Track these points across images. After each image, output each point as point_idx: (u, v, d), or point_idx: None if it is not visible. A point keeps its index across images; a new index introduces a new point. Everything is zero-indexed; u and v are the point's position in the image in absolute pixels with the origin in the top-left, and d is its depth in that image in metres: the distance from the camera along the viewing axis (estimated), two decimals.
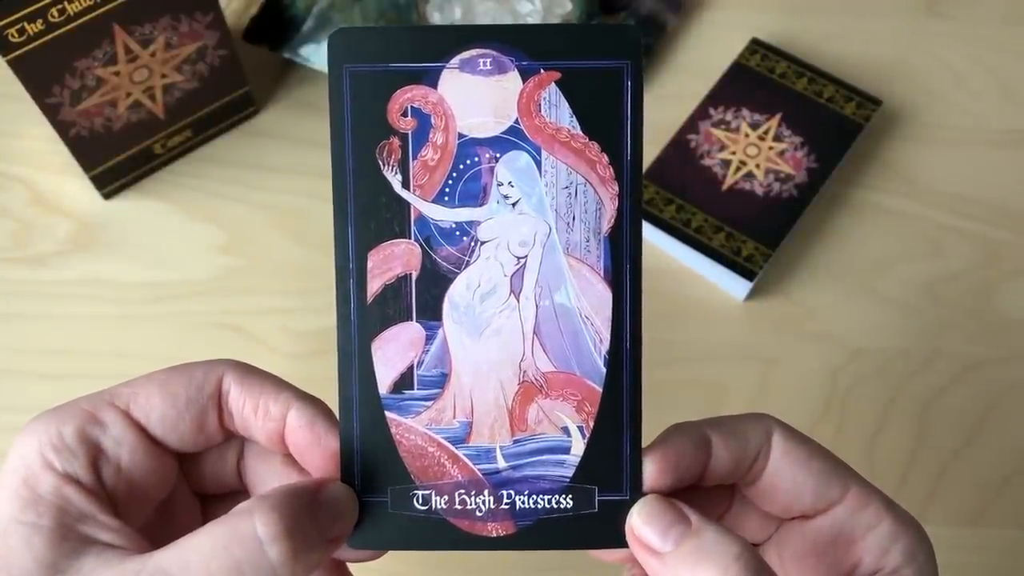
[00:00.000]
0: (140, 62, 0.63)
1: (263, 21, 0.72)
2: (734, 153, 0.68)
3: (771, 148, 0.68)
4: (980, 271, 0.66)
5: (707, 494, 0.37)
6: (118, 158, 0.67)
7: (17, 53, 0.57)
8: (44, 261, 0.67)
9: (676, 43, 0.76)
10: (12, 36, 0.56)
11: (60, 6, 0.57)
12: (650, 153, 0.68)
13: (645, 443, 0.35)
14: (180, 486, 0.37)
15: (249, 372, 0.36)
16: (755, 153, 0.68)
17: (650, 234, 0.66)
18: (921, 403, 0.62)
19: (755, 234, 0.65)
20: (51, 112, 0.62)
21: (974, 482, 0.60)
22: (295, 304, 0.65)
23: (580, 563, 0.40)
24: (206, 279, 0.67)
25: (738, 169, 0.68)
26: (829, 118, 0.70)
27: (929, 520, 0.57)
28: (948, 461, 0.60)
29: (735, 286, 0.65)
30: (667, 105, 0.71)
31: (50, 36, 0.58)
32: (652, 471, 0.34)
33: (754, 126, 0.69)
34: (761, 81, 0.71)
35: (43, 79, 0.60)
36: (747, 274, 0.64)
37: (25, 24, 0.56)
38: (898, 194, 0.70)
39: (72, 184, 0.69)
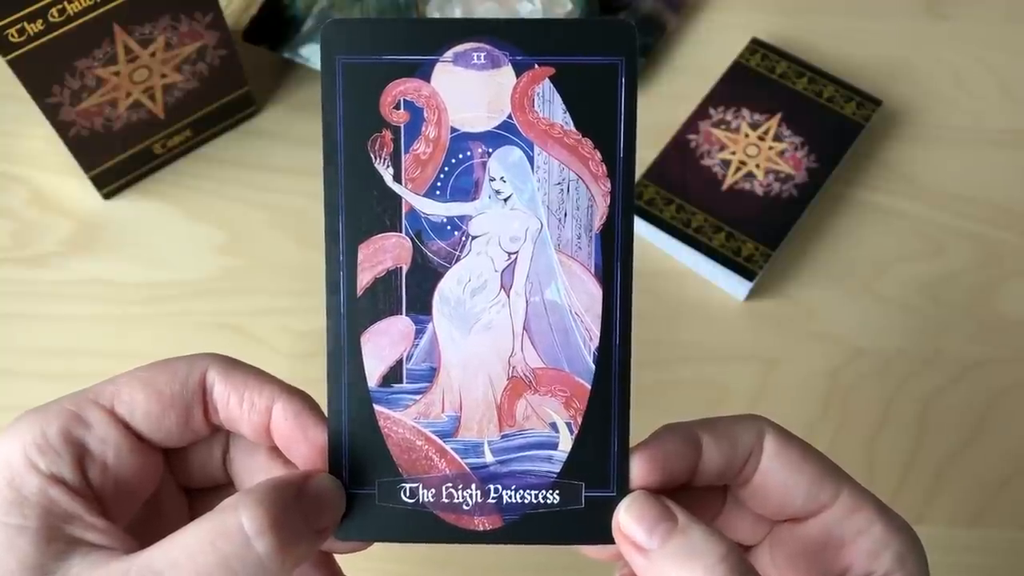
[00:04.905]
0: (140, 62, 0.63)
1: (263, 21, 0.72)
2: (734, 153, 0.68)
3: (771, 148, 0.68)
4: (980, 271, 0.66)
5: (699, 495, 0.37)
6: (118, 158, 0.67)
7: (17, 53, 0.57)
8: (44, 261, 0.67)
9: (676, 43, 0.76)
10: (12, 36, 0.56)
11: (60, 6, 0.57)
12: (650, 153, 0.68)
13: (637, 442, 0.35)
14: (166, 481, 0.37)
15: (233, 366, 0.35)
16: (755, 153, 0.68)
17: (650, 234, 0.66)
18: (921, 403, 0.62)
19: (755, 234, 0.65)
20: (51, 112, 0.62)
21: (974, 482, 0.59)
22: (295, 304, 0.65)
23: (578, 563, 0.40)
24: (206, 279, 0.67)
25: (738, 169, 0.67)
26: (829, 118, 0.70)
27: (928, 520, 0.58)
28: (948, 461, 0.60)
29: (735, 286, 0.65)
30: (667, 105, 0.71)
31: (50, 36, 0.58)
32: (639, 468, 0.34)
33: (754, 126, 0.69)
34: (761, 81, 0.71)
35: (43, 79, 0.60)
36: (747, 274, 0.64)
37: (25, 24, 0.57)
38: (898, 194, 0.69)
39: (72, 184, 0.69)
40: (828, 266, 0.67)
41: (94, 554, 0.31)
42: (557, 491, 0.35)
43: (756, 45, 0.73)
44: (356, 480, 0.35)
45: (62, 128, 0.63)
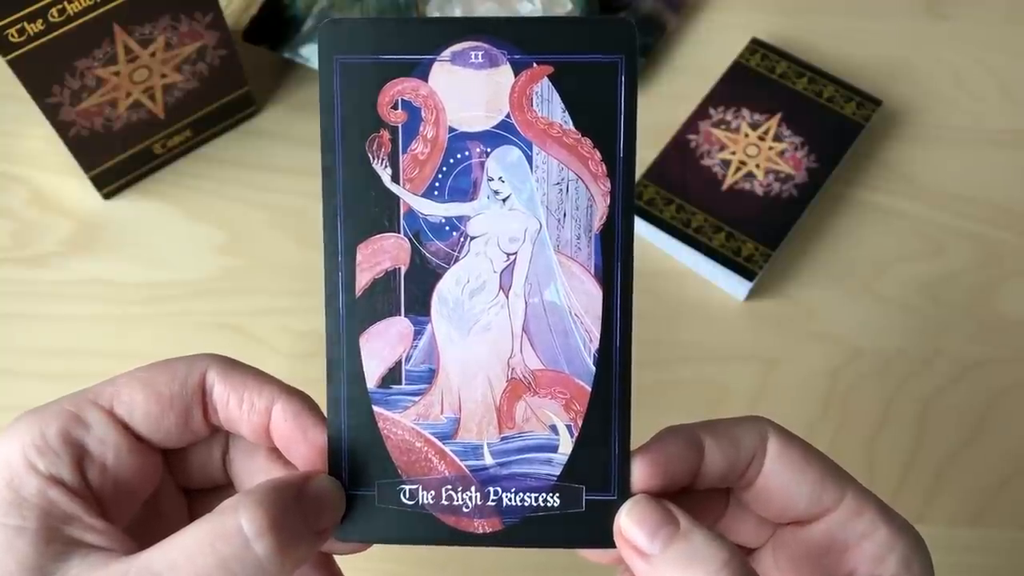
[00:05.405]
0: (140, 62, 0.63)
1: (263, 21, 0.72)
2: (734, 153, 0.68)
3: (771, 148, 0.68)
4: (980, 271, 0.66)
5: (702, 498, 0.37)
6: (118, 158, 0.67)
7: (17, 53, 0.57)
8: (44, 261, 0.67)
9: (676, 43, 0.76)
10: (12, 36, 0.56)
11: (60, 6, 0.57)
12: (650, 153, 0.68)
13: (638, 444, 0.35)
14: (166, 481, 0.37)
15: (232, 366, 0.35)
16: (755, 153, 0.68)
17: (650, 234, 0.66)
18: (921, 403, 0.62)
19: (755, 234, 0.65)
20: (51, 112, 0.62)
21: (974, 482, 0.59)
22: (295, 304, 0.65)
23: (578, 565, 0.40)
24: (206, 279, 0.67)
25: (738, 169, 0.67)
26: (829, 118, 0.69)
27: (929, 520, 0.58)
28: (948, 461, 0.60)
29: (735, 286, 0.65)
30: (667, 105, 0.71)
31: (50, 36, 0.58)
32: (641, 472, 0.34)
33: (754, 126, 0.69)
34: (761, 81, 0.71)
35: (43, 79, 0.60)
36: (747, 274, 0.64)
37: (25, 24, 0.56)
38: (898, 194, 0.69)
39: (72, 184, 0.69)
40: (828, 266, 0.67)
41: (93, 555, 0.31)
42: (557, 494, 0.35)
43: (756, 45, 0.73)
44: (356, 481, 0.35)
45: (62, 128, 0.63)
